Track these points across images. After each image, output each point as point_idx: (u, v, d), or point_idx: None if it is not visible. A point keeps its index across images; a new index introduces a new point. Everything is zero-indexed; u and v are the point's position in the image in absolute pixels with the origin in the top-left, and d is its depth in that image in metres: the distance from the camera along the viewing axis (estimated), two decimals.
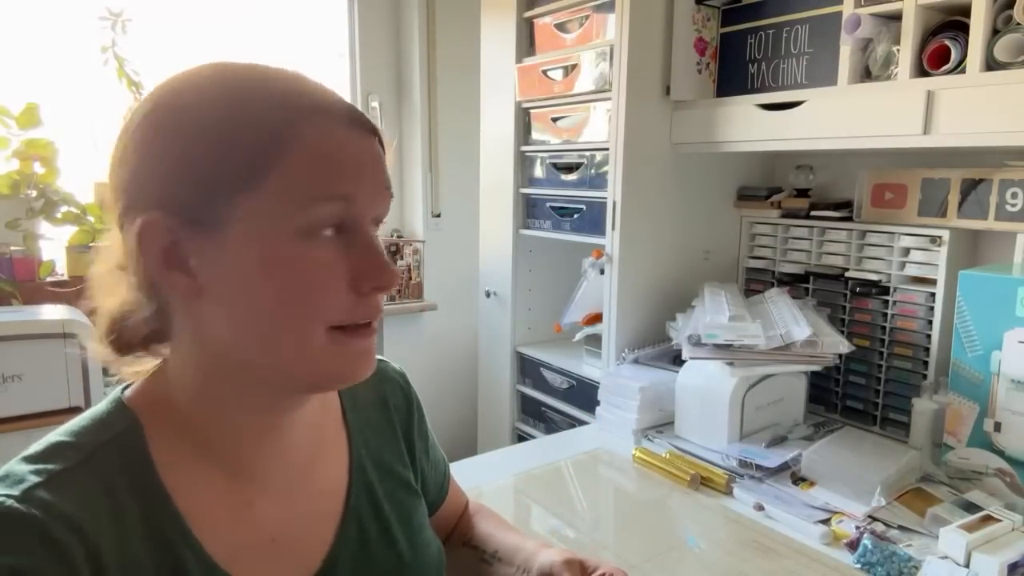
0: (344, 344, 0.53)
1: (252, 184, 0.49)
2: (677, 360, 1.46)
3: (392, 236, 2.46)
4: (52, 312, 1.63)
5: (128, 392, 0.57)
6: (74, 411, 1.48)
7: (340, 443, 0.67)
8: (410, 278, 2.34)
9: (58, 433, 0.53)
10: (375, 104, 2.31)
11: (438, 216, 2.44)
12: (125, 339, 0.57)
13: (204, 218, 0.50)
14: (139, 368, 0.59)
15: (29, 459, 0.50)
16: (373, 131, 0.56)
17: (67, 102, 1.95)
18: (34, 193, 1.84)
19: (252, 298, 0.51)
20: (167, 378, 0.56)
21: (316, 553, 0.61)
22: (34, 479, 0.48)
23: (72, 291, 1.78)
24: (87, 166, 1.93)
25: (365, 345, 0.55)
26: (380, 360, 0.74)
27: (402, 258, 2.37)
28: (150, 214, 0.50)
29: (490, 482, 1.30)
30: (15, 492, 0.47)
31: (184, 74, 0.53)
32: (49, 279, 1.87)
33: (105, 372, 1.55)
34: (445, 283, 2.47)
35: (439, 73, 2.36)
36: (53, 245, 1.91)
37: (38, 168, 1.85)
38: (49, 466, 0.49)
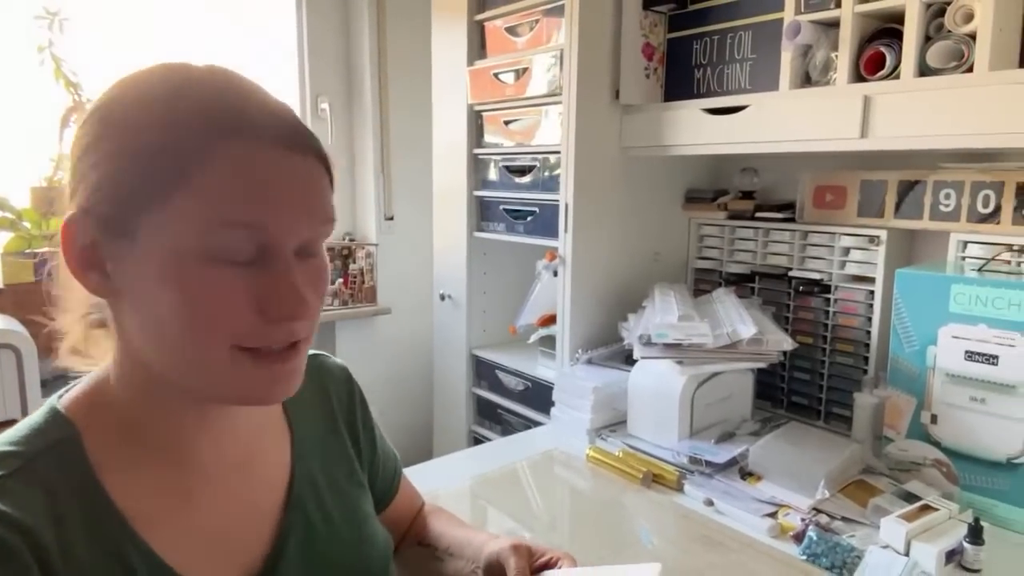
0: (250, 367, 0.52)
1: (158, 201, 0.49)
2: (629, 360, 1.48)
3: (344, 239, 2.43)
4: None
5: (63, 400, 0.57)
6: (9, 424, 1.42)
7: (282, 433, 0.68)
8: (363, 282, 2.31)
9: None
10: (324, 106, 2.27)
11: (391, 219, 2.41)
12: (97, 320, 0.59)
13: (118, 226, 0.50)
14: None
15: None
16: (308, 151, 0.53)
17: (1, 104, 1.88)
18: None
19: (152, 311, 0.51)
20: (103, 378, 0.57)
21: (261, 543, 0.61)
22: None
23: (8, 300, 1.71)
24: (23, 170, 1.85)
25: (277, 370, 0.53)
26: (320, 355, 0.76)
27: (354, 261, 2.34)
28: (74, 213, 0.51)
29: (447, 486, 1.30)
30: None
31: (132, 75, 0.53)
32: None
33: (43, 384, 1.50)
34: (399, 286, 2.45)
35: (390, 74, 2.34)
36: None
37: None
38: None
